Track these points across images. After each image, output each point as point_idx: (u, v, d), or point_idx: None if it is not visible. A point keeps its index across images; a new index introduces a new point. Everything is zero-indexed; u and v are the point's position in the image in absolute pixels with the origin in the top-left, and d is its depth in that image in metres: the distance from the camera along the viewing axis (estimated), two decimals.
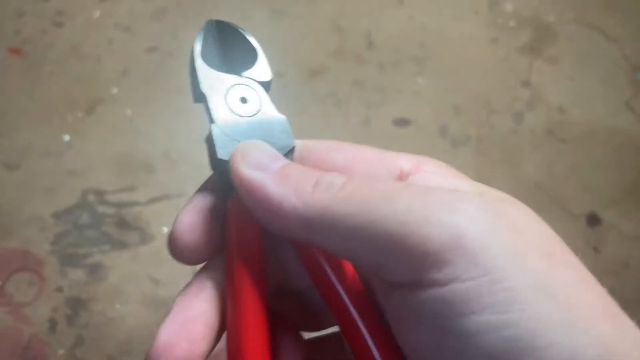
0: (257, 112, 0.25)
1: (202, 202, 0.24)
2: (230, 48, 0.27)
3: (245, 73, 0.26)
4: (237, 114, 0.25)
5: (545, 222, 0.21)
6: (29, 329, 0.53)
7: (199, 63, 0.25)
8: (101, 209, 0.58)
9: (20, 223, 0.57)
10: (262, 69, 0.26)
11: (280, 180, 0.21)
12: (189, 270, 0.57)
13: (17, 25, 0.66)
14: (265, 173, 0.21)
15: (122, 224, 0.58)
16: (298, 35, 0.70)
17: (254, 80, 0.26)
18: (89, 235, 0.57)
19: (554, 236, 0.20)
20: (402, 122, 0.67)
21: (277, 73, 0.67)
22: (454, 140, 0.66)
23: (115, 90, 0.64)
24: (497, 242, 0.18)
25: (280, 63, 0.68)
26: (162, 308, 0.54)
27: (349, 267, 0.23)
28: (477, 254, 0.17)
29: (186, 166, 0.61)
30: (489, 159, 0.66)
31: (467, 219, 0.18)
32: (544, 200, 0.64)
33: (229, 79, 0.25)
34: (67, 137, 0.61)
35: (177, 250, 0.23)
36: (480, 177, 0.65)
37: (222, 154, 0.23)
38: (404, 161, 0.24)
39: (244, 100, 0.25)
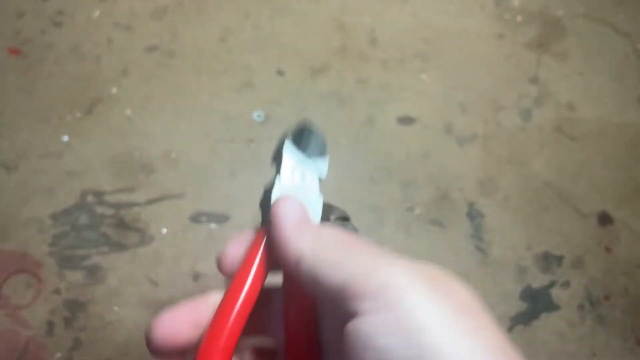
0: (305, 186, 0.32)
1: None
2: (308, 141, 0.34)
3: (312, 164, 0.33)
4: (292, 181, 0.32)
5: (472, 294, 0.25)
6: (27, 332, 0.52)
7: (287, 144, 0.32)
8: (100, 209, 0.57)
9: (19, 224, 0.56)
10: (323, 166, 0.33)
11: (294, 228, 0.28)
12: (187, 272, 0.56)
13: (17, 25, 0.66)
14: (296, 226, 0.28)
15: (121, 225, 0.57)
16: (300, 32, 0.69)
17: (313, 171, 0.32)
18: (87, 236, 0.56)
19: (472, 303, 0.25)
20: (406, 120, 0.65)
21: (279, 71, 0.66)
22: (460, 138, 0.65)
23: (114, 90, 0.63)
24: (414, 290, 0.23)
25: (282, 61, 0.67)
26: (161, 310, 0.53)
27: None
28: (399, 295, 0.23)
29: (186, 166, 0.60)
30: (496, 157, 0.64)
31: (398, 272, 0.24)
32: (553, 199, 0.63)
33: (301, 158, 0.32)
34: (66, 138, 0.60)
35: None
36: (487, 175, 0.63)
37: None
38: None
39: (302, 174, 0.32)
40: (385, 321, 0.22)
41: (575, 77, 0.69)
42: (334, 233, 0.27)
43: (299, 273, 0.27)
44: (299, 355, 0.29)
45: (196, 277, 0.55)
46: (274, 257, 0.29)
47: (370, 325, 0.23)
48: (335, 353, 0.28)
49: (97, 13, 0.67)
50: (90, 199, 0.57)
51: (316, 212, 0.31)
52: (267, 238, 0.29)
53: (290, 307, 0.30)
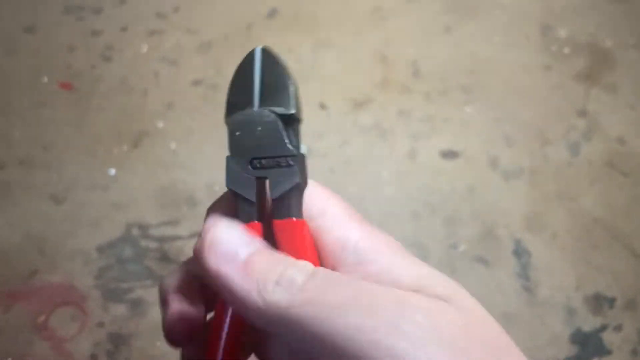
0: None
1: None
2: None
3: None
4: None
5: (490, 316, 0.23)
6: None
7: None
8: (144, 242, 0.58)
9: (65, 256, 0.57)
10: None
11: (244, 275, 0.22)
12: None
13: (68, 60, 0.68)
14: (231, 265, 0.23)
15: (164, 258, 0.57)
16: (343, 66, 0.69)
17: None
18: (131, 269, 0.57)
19: (494, 331, 0.22)
20: (450, 154, 0.64)
21: (321, 105, 0.66)
22: (505, 172, 0.63)
23: (160, 124, 0.64)
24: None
25: (324, 94, 0.67)
26: None
27: None
28: None
29: None
30: (544, 193, 0.62)
31: (410, 345, 0.20)
32: (604, 237, 0.61)
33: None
34: (112, 171, 0.62)
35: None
36: (534, 211, 0.61)
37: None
38: (359, 231, 0.25)
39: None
40: None
41: (626, 110, 0.67)
42: (302, 274, 0.22)
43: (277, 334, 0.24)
44: None
45: None
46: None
47: None
48: None
49: (145, 48, 0.69)
50: (135, 231, 0.58)
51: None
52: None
53: None
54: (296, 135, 0.27)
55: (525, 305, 0.57)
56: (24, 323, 0.54)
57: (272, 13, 0.71)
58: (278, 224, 0.25)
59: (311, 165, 0.67)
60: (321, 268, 0.23)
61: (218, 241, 0.24)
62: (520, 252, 0.59)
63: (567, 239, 0.60)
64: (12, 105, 0.65)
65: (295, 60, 0.69)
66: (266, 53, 0.28)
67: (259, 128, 0.27)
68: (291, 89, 0.28)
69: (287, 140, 0.26)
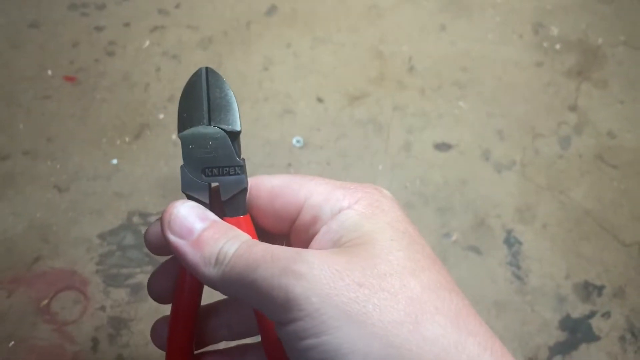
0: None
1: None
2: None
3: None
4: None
5: (397, 209, 0.31)
6: (72, 347, 0.54)
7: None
8: (145, 230, 0.59)
9: (68, 243, 0.59)
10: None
11: (194, 252, 0.29)
12: None
13: (72, 55, 0.70)
14: (185, 241, 0.29)
15: None
16: (340, 61, 0.71)
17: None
18: (132, 256, 0.58)
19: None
20: (443, 147, 0.66)
21: (319, 98, 0.68)
22: (498, 165, 0.65)
23: (161, 116, 0.66)
24: (317, 292, 0.26)
25: (322, 89, 0.69)
26: None
27: None
28: (302, 304, 0.25)
29: None
30: (535, 185, 0.64)
31: (299, 281, 0.26)
32: (593, 228, 0.62)
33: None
34: (115, 161, 0.63)
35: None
36: (525, 203, 0.63)
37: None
38: (346, 199, 0.31)
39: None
40: (303, 326, 0.26)
41: (616, 105, 0.69)
42: (234, 245, 0.29)
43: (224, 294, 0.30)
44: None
45: None
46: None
47: (291, 333, 0.26)
48: None
49: (147, 43, 0.71)
50: (136, 219, 0.60)
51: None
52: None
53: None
54: (239, 146, 0.32)
55: (516, 293, 0.58)
56: (27, 307, 0.56)
57: (271, 10, 0.73)
58: (229, 220, 0.31)
59: (308, 157, 0.68)
60: (250, 238, 0.29)
61: (175, 218, 0.30)
62: (511, 241, 0.61)
63: (557, 230, 0.62)
64: (17, 98, 0.67)
65: (294, 56, 0.71)
66: (211, 72, 0.32)
67: (210, 142, 0.31)
68: (235, 107, 0.32)
69: (235, 153, 0.31)
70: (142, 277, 0.57)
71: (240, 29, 0.71)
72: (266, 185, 0.32)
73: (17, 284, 0.57)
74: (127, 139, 0.65)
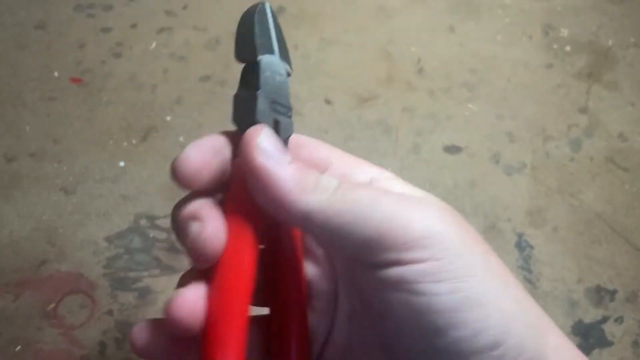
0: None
1: (213, 141, 0.29)
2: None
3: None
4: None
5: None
6: (80, 352, 0.54)
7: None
8: (152, 233, 0.59)
9: (75, 246, 0.58)
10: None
11: (290, 174, 0.25)
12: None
13: (78, 56, 0.69)
14: (279, 164, 0.25)
15: (172, 248, 0.58)
16: (348, 63, 0.70)
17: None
18: (139, 259, 0.58)
19: (477, 233, 0.28)
20: (453, 149, 0.65)
21: (327, 100, 0.68)
22: (507, 167, 0.64)
23: (168, 118, 0.65)
24: (453, 235, 0.25)
25: (330, 90, 0.68)
26: None
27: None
28: (442, 242, 0.24)
29: None
30: (545, 188, 0.63)
31: (434, 217, 0.25)
32: (605, 231, 0.61)
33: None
34: (122, 163, 0.63)
35: (178, 176, 0.27)
36: (536, 206, 0.62)
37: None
38: (371, 169, 0.31)
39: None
40: (432, 269, 0.24)
41: (627, 107, 0.68)
42: (335, 180, 0.26)
43: (309, 230, 0.26)
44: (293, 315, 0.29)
45: None
46: (264, 212, 0.26)
47: (417, 274, 0.24)
48: (360, 301, 0.29)
49: (153, 44, 0.70)
50: (143, 222, 0.59)
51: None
52: (248, 186, 0.26)
53: (282, 262, 0.30)
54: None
55: None
56: (34, 311, 0.55)
57: (279, 11, 0.73)
58: None
59: None
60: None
61: (266, 143, 0.25)
62: (522, 245, 0.60)
63: (568, 233, 0.61)
64: (23, 99, 0.66)
65: (302, 57, 0.70)
66: (273, 11, 0.31)
67: (277, 77, 0.29)
68: (288, 51, 0.31)
69: (290, 96, 0.29)
70: (150, 281, 0.57)
71: None
72: (292, 136, 0.30)
73: (24, 287, 0.56)
74: (133, 141, 0.64)
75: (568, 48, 0.72)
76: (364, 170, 0.31)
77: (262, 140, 0.25)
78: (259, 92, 0.28)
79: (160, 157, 0.63)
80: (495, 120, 0.67)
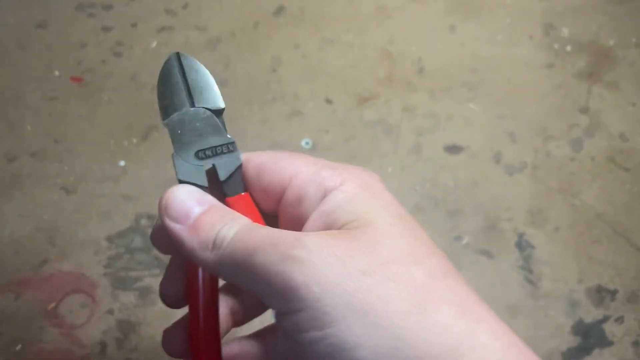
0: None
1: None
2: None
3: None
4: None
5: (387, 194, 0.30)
6: (80, 351, 0.54)
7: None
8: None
9: (76, 246, 0.58)
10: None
11: (191, 234, 0.28)
12: None
13: (79, 55, 0.69)
14: (181, 225, 0.28)
15: None
16: (348, 62, 0.70)
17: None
18: (140, 258, 0.58)
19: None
20: (454, 149, 0.65)
21: (327, 100, 0.68)
22: (508, 167, 0.64)
23: None
24: (318, 280, 0.24)
25: (330, 90, 0.68)
26: None
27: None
28: (303, 293, 0.24)
29: None
30: (546, 187, 0.63)
31: (299, 268, 0.24)
32: (605, 231, 0.61)
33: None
34: (122, 163, 0.63)
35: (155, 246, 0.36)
36: (537, 206, 0.62)
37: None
38: (332, 180, 0.29)
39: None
40: (308, 317, 0.25)
41: (628, 107, 0.68)
42: (234, 229, 0.27)
43: (222, 278, 0.30)
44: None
45: None
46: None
47: (295, 324, 0.25)
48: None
49: (154, 44, 0.70)
50: (144, 222, 0.59)
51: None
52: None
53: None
54: (224, 124, 0.32)
55: (528, 297, 0.58)
56: (35, 310, 0.55)
57: (279, 10, 0.73)
58: (231, 200, 0.31)
59: (317, 158, 0.67)
60: (249, 222, 0.28)
61: (172, 202, 0.29)
62: (523, 245, 0.60)
63: (569, 233, 0.61)
64: (24, 99, 0.66)
65: (302, 57, 0.70)
66: (183, 56, 0.32)
67: (197, 124, 0.31)
68: (215, 85, 0.32)
69: (224, 131, 0.31)
70: (151, 281, 0.57)
71: (248, 29, 0.71)
72: (254, 161, 0.31)
73: (25, 286, 0.56)
74: (134, 140, 0.64)
75: (569, 48, 0.72)
76: (321, 181, 0.30)
77: (168, 206, 0.29)
78: (173, 154, 0.31)
79: (161, 157, 0.63)
80: (496, 120, 0.67)
